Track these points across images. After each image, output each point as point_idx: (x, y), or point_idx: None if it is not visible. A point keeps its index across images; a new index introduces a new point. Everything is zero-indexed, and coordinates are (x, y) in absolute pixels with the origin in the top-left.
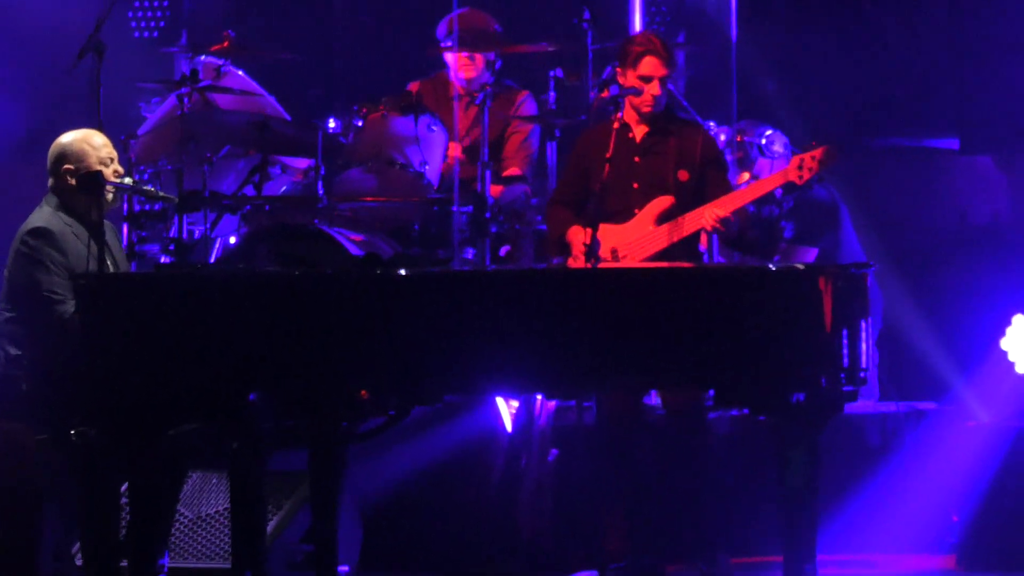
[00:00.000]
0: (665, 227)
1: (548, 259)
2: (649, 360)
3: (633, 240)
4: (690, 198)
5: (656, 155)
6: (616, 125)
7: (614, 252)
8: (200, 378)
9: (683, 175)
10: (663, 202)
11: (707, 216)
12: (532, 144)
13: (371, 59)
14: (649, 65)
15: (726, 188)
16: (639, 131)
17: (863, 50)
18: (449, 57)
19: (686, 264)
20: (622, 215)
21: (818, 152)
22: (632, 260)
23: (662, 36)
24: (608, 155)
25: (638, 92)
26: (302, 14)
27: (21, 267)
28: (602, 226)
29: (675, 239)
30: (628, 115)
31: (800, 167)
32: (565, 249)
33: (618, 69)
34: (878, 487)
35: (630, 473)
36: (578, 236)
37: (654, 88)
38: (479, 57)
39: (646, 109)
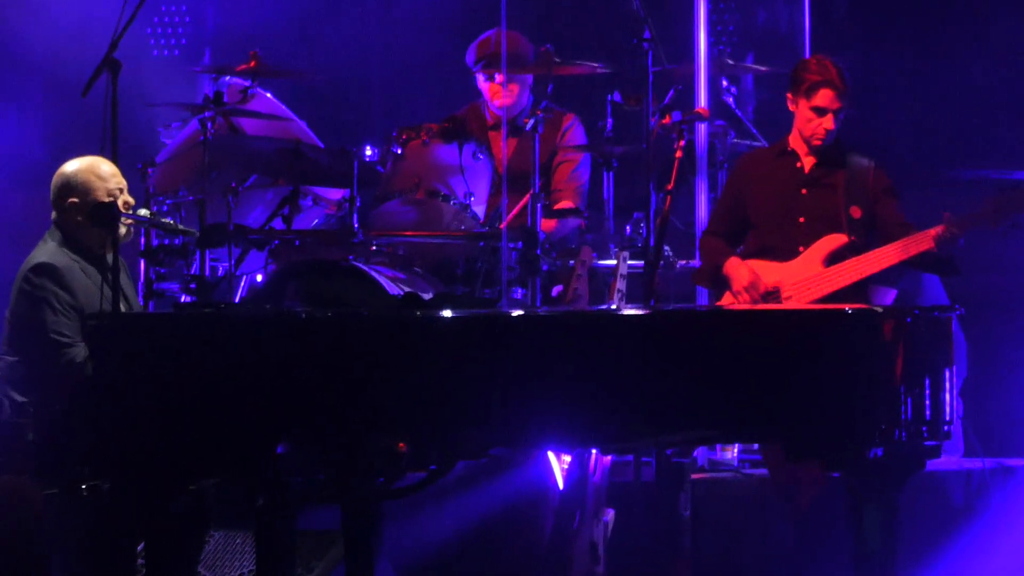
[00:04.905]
0: (835, 268)
1: (605, 299)
2: (713, 411)
3: (800, 280)
4: (864, 237)
5: (825, 188)
6: (785, 147)
7: (776, 292)
8: (223, 428)
9: (856, 212)
10: (834, 240)
11: (940, 230)
12: (583, 174)
13: (410, 82)
14: (825, 98)
15: (900, 220)
16: (807, 161)
17: (946, 74)
18: (483, 84)
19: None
20: (785, 252)
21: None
22: (797, 302)
23: (839, 65)
24: (770, 184)
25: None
26: (335, 33)
27: (24, 307)
28: (762, 262)
29: (850, 282)
30: (795, 142)
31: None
32: (720, 282)
33: (788, 94)
34: (962, 549)
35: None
36: (739, 270)
37: (828, 122)
38: (515, 83)
39: (816, 142)
